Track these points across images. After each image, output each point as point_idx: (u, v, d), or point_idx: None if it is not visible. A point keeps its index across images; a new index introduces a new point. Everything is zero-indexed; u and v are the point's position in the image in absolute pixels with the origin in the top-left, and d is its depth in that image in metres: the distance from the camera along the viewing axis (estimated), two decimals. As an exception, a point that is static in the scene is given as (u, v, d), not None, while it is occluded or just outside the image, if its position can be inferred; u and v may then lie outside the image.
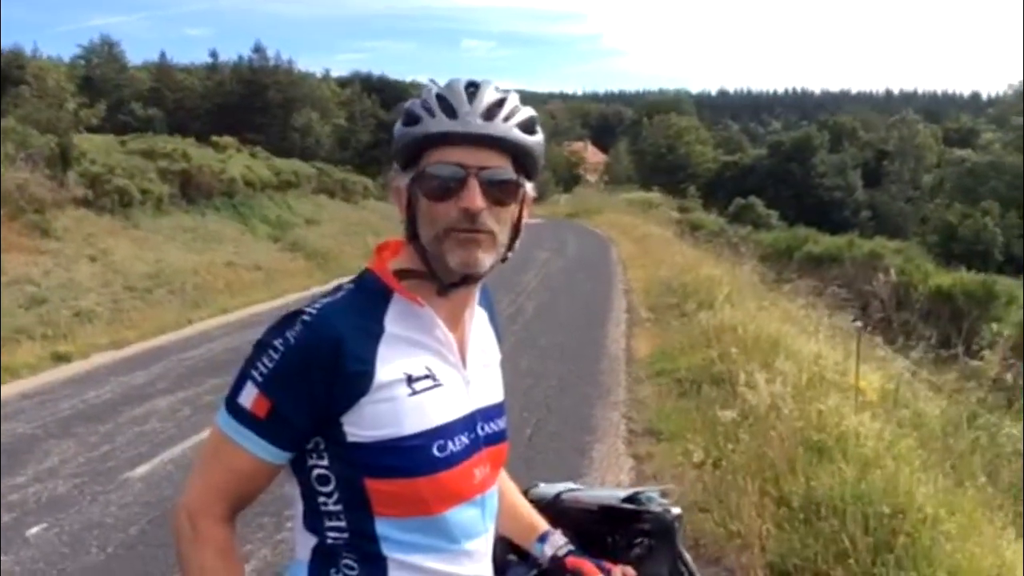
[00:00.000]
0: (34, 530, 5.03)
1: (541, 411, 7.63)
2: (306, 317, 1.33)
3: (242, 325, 12.45)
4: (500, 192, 1.34)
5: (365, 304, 1.37)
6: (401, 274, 1.38)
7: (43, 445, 6.70)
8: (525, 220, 1.41)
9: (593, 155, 73.35)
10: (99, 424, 7.29)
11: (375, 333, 1.34)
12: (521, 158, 1.37)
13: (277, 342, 1.32)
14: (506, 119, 1.34)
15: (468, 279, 1.37)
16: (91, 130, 21.04)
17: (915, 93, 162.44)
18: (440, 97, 1.35)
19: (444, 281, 1.37)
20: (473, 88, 1.36)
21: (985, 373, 8.64)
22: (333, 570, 1.36)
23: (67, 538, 4.95)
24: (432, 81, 1.40)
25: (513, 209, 1.37)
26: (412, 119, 1.36)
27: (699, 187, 60.02)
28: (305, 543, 1.39)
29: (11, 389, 8.65)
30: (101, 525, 5.14)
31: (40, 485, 5.80)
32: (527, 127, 1.37)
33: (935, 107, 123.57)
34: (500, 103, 1.35)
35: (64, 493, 5.67)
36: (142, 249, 16.15)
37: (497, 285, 1.51)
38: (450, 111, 1.33)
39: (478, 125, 1.33)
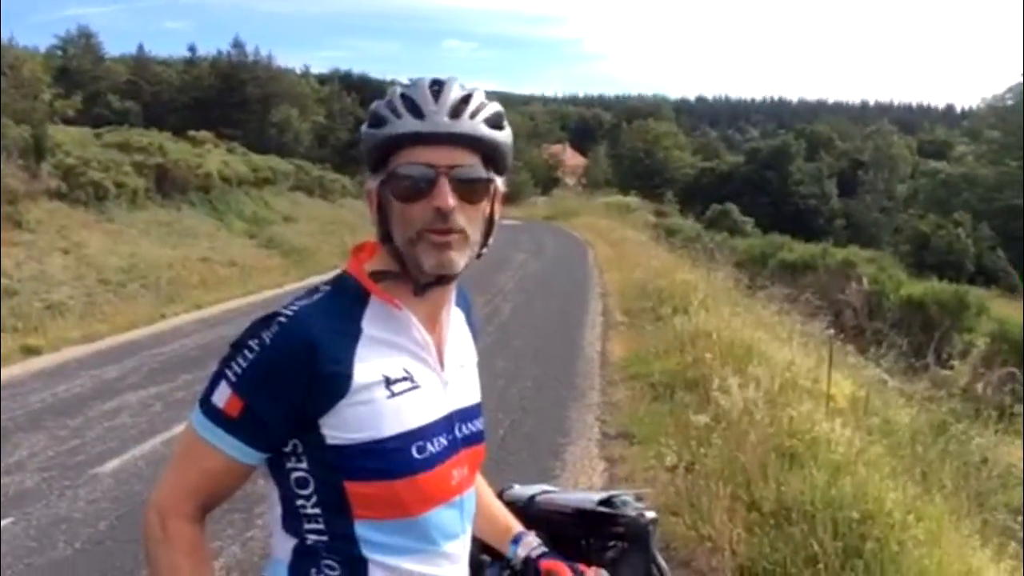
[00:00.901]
0: (1, 524, 4.97)
1: (515, 412, 7.64)
2: (282, 319, 1.32)
3: (216, 321, 12.38)
4: (471, 190, 1.34)
5: (342, 306, 1.36)
6: (377, 276, 1.38)
7: (12, 438, 6.62)
8: (498, 216, 1.41)
9: (572, 158, 73.46)
10: (69, 418, 7.22)
11: (352, 335, 1.34)
12: (490, 154, 1.37)
13: (252, 343, 1.32)
14: (472, 115, 1.34)
15: (443, 279, 1.38)
16: (66, 122, 20.82)
17: (891, 104, 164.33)
18: (405, 97, 1.35)
19: (419, 282, 1.37)
20: (438, 86, 1.35)
21: (955, 382, 8.76)
22: (314, 571, 1.36)
23: (34, 532, 4.90)
24: (411, 80, 1.40)
25: (485, 206, 1.38)
26: (378, 121, 1.36)
27: (676, 192, 60.32)
28: (284, 544, 1.39)
29: (-21, 381, 8.54)
30: (69, 520, 5.09)
31: (8, 478, 5.73)
32: (494, 123, 1.37)
33: (910, 119, 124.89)
34: (466, 100, 1.35)
35: (32, 487, 5.61)
36: (116, 243, 15.99)
37: (473, 286, 1.51)
38: (416, 111, 1.33)
39: (445, 124, 1.32)
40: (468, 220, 1.34)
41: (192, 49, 53.29)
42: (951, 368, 9.65)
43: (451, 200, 1.31)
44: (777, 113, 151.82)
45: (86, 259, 14.50)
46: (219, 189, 22.17)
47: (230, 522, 4.83)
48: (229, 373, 1.32)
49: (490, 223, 1.40)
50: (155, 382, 8.51)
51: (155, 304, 13.37)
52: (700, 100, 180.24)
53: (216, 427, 1.33)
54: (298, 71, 56.32)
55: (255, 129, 42.83)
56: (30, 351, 9.90)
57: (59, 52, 46.99)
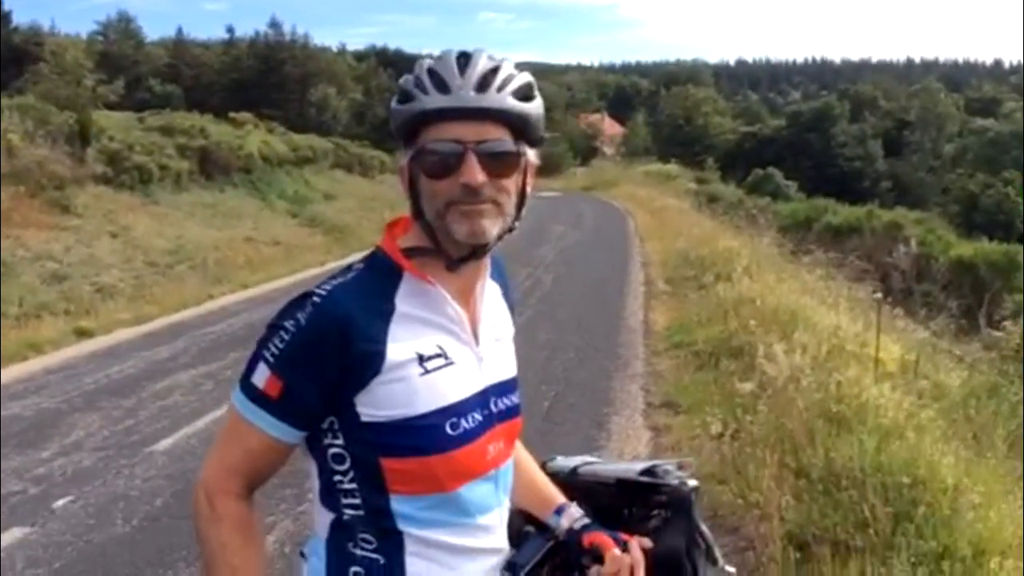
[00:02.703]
0: (60, 503, 5.10)
1: (559, 384, 7.63)
2: (316, 298, 1.33)
3: (262, 300, 12.50)
4: (500, 164, 1.33)
5: (376, 283, 1.36)
6: (410, 252, 1.38)
7: (68, 419, 6.79)
8: (530, 189, 1.40)
9: (610, 127, 72.84)
10: (123, 398, 7.37)
11: (386, 312, 1.34)
12: (519, 127, 1.35)
13: (288, 323, 1.33)
14: (500, 88, 1.32)
15: (476, 251, 1.37)
16: (109, 107, 21.21)
17: (936, 61, 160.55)
18: (431, 72, 1.33)
19: (452, 256, 1.37)
20: (464, 59, 1.33)
21: (1007, 344, 8.59)
22: (351, 545, 1.38)
23: (93, 510, 5.02)
24: (440, 52, 1.38)
25: (516, 179, 1.36)
26: (406, 96, 1.34)
27: (717, 158, 59.46)
28: (323, 519, 1.41)
29: (35, 364, 8.76)
30: (126, 497, 5.20)
31: (65, 458, 5.87)
32: (523, 94, 1.35)
33: (957, 75, 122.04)
34: (493, 72, 1.33)
35: (89, 466, 5.74)
36: (162, 225, 16.26)
37: (513, 259, 1.49)
38: (442, 86, 1.31)
39: (472, 98, 1.31)
40: (499, 193, 1.33)
41: (230, 31, 53.56)
42: (1002, 329, 9.46)
43: (480, 176, 1.30)
44: (819, 74, 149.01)
45: (133, 242, 14.77)
46: (260, 169, 22.41)
47: (282, 498, 4.91)
48: (267, 354, 1.34)
49: (522, 196, 1.38)
50: (205, 361, 8.65)
51: (202, 285, 13.55)
52: (740, 63, 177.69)
53: (256, 407, 1.34)
54: (335, 49, 56.70)
55: (294, 108, 43.11)
56: (83, 334, 10.10)
57: (100, 38, 47.48)
